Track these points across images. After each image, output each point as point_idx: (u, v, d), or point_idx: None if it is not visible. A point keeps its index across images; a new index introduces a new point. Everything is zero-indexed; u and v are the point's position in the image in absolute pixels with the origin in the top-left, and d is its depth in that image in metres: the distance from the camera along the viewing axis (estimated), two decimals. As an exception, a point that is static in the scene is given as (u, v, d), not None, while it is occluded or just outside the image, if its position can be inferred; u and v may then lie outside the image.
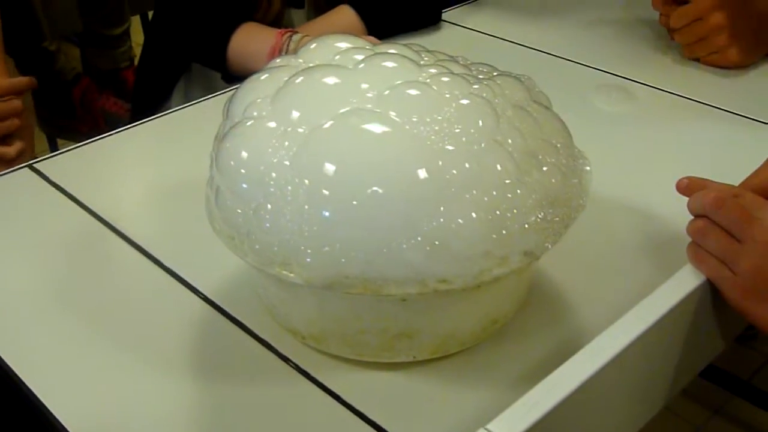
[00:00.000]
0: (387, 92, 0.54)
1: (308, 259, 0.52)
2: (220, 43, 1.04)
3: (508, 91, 0.58)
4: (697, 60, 1.03)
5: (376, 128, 0.53)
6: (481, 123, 0.53)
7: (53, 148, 2.02)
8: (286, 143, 0.53)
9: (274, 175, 0.53)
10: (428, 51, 0.62)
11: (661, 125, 0.91)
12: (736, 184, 0.64)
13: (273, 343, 0.62)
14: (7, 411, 0.63)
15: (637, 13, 1.11)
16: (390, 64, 0.57)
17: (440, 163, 0.51)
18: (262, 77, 0.60)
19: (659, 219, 0.74)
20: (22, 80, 1.01)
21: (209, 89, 1.09)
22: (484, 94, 0.55)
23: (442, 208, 0.51)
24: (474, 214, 0.51)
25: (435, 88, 0.55)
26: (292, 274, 0.53)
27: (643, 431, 0.62)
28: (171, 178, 0.84)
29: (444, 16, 1.18)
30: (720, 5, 0.98)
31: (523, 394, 0.48)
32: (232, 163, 0.56)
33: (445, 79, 0.56)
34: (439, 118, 0.53)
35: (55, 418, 0.56)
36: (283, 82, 0.57)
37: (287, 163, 0.53)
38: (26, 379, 0.59)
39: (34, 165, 0.85)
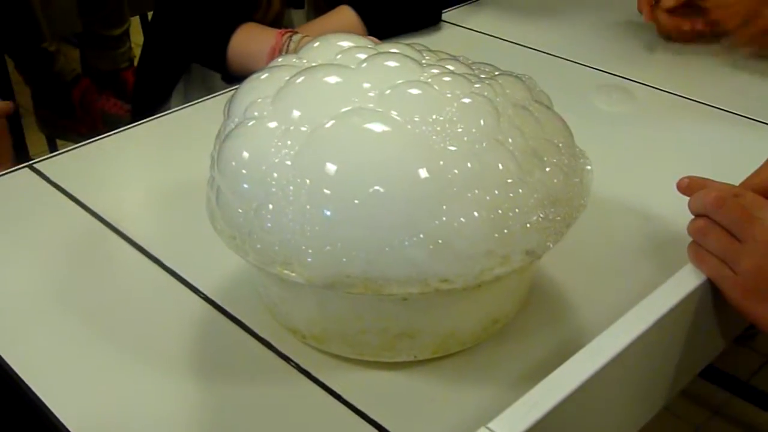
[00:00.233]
0: (388, 92, 0.54)
1: (309, 259, 0.52)
2: (219, 44, 1.04)
3: (509, 91, 0.58)
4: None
5: (378, 128, 0.53)
6: (482, 122, 0.53)
7: (53, 149, 2.02)
8: (288, 143, 0.53)
9: (275, 175, 0.53)
10: (430, 50, 0.62)
11: (662, 125, 0.92)
12: (737, 184, 0.64)
13: (274, 343, 0.62)
14: (8, 410, 0.63)
15: (637, 13, 1.11)
16: (392, 63, 0.57)
17: (442, 162, 0.51)
18: (263, 76, 0.60)
19: (660, 219, 0.74)
20: None
21: (209, 90, 1.09)
22: (486, 94, 0.55)
23: (444, 207, 0.51)
24: (476, 213, 0.51)
25: (436, 87, 0.55)
26: (293, 274, 0.53)
27: (643, 431, 0.62)
28: (171, 178, 0.84)
29: (444, 16, 1.18)
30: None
31: (523, 394, 0.48)
32: (233, 163, 0.56)
33: (447, 78, 0.56)
34: (441, 118, 0.53)
35: (55, 417, 0.56)
36: (284, 82, 0.57)
37: (289, 162, 0.53)
38: (27, 378, 0.59)
39: (34, 165, 0.85)
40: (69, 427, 0.55)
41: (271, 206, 0.53)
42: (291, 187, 0.52)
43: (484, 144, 0.52)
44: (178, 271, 0.69)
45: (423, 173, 0.51)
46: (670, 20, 1.06)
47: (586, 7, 1.22)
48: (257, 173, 0.54)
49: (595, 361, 0.51)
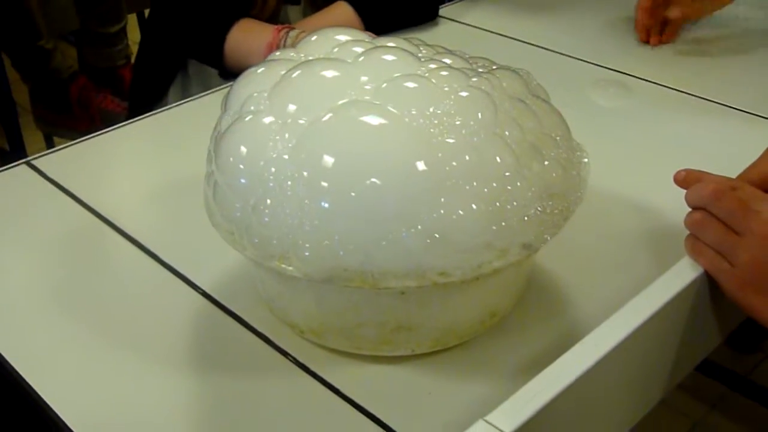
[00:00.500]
0: (385, 85, 0.54)
1: (307, 253, 0.52)
2: (216, 40, 1.04)
3: (507, 84, 0.58)
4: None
5: (375, 120, 0.53)
6: (480, 115, 0.54)
7: (50, 147, 2.02)
8: (285, 136, 0.53)
9: (273, 170, 0.53)
10: (427, 45, 0.62)
11: (658, 119, 0.92)
12: (734, 177, 0.64)
13: (272, 337, 0.62)
14: (6, 405, 0.63)
15: (634, 8, 1.11)
16: (389, 57, 0.57)
17: (440, 154, 0.51)
18: (260, 70, 0.60)
19: (656, 212, 0.74)
20: None
21: (206, 86, 1.09)
22: (483, 87, 0.56)
23: (441, 200, 0.51)
24: (474, 206, 0.51)
25: (434, 81, 0.55)
26: (290, 268, 0.53)
27: (641, 426, 0.62)
28: (168, 174, 0.84)
29: (441, 12, 1.18)
30: None
31: (521, 387, 0.48)
32: (231, 159, 0.56)
33: (444, 72, 0.56)
34: (439, 111, 0.53)
35: (53, 411, 0.56)
36: (281, 76, 0.57)
37: (286, 157, 0.53)
38: (25, 374, 0.59)
39: (32, 162, 0.85)
40: (67, 422, 0.55)
41: (269, 201, 0.53)
42: (289, 183, 0.52)
43: (482, 136, 0.53)
44: (175, 267, 0.69)
45: (420, 165, 0.51)
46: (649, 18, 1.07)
47: (583, 2, 1.22)
48: (255, 168, 0.54)
49: (593, 354, 0.51)
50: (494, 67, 0.61)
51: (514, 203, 0.52)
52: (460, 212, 0.51)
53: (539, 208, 0.54)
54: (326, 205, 0.51)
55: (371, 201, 0.51)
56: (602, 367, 0.51)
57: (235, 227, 0.55)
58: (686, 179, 0.62)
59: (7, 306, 0.66)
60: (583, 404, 0.52)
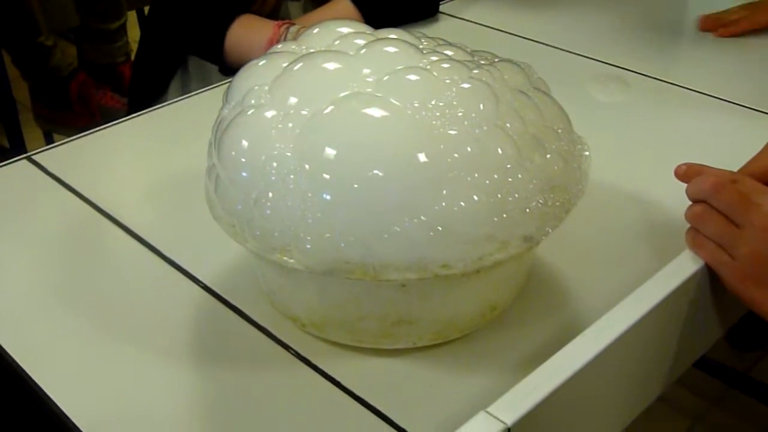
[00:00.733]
0: (387, 78, 0.54)
1: (308, 245, 0.52)
2: (217, 36, 1.04)
3: (508, 77, 0.58)
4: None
5: (377, 112, 0.53)
6: (482, 107, 0.54)
7: (49, 144, 2.02)
8: (287, 130, 0.53)
9: (275, 164, 0.53)
10: (428, 37, 0.62)
11: (658, 114, 0.92)
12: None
13: (273, 331, 0.62)
14: (8, 399, 0.63)
15: (635, 3, 1.11)
16: (391, 49, 0.57)
17: (441, 146, 0.51)
18: (261, 63, 0.60)
19: (657, 205, 0.74)
20: None
21: (206, 82, 1.09)
22: (484, 79, 0.56)
23: (443, 192, 0.51)
24: (476, 197, 0.51)
25: (435, 73, 0.55)
26: (292, 260, 0.53)
27: (642, 422, 0.62)
28: (168, 169, 0.84)
29: (441, 7, 1.18)
30: None
31: (522, 379, 0.48)
32: (233, 152, 0.56)
33: (446, 65, 0.56)
34: (441, 103, 0.53)
35: (55, 404, 0.56)
36: (282, 69, 0.57)
37: (288, 150, 0.53)
38: (27, 368, 0.59)
39: (32, 157, 0.85)
40: (69, 415, 0.55)
41: (271, 194, 0.53)
42: (292, 176, 0.52)
43: (483, 128, 0.53)
44: (176, 261, 0.69)
45: (422, 157, 0.51)
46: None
47: (583, -2, 1.22)
48: (257, 162, 0.54)
49: (593, 347, 0.51)
50: (496, 60, 0.61)
51: (516, 195, 0.52)
52: (462, 204, 0.51)
53: (541, 201, 0.54)
54: (328, 197, 0.51)
55: (373, 193, 0.51)
56: (603, 359, 0.51)
57: (236, 220, 0.55)
58: (687, 173, 0.63)
59: (9, 300, 0.66)
60: (584, 397, 0.53)
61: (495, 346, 0.60)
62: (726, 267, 0.58)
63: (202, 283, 0.67)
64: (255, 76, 0.58)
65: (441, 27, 1.15)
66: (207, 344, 0.62)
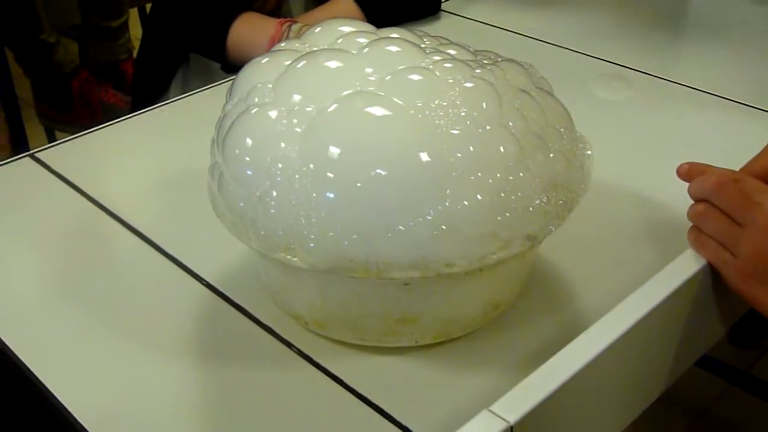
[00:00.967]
0: (390, 77, 0.54)
1: (312, 244, 0.52)
2: (219, 33, 1.04)
3: (511, 76, 0.58)
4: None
5: (380, 111, 0.53)
6: (484, 106, 0.54)
7: (52, 141, 2.02)
8: (291, 129, 0.54)
9: (279, 163, 0.53)
10: (431, 36, 0.62)
11: (661, 113, 0.92)
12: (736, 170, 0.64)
13: (276, 329, 0.62)
14: (11, 396, 0.63)
15: (637, 1, 1.11)
16: (393, 48, 0.57)
17: (444, 145, 0.51)
18: (264, 61, 0.60)
19: (659, 205, 0.74)
20: None
21: (208, 80, 1.08)
22: (487, 78, 0.56)
23: (446, 191, 0.51)
24: (479, 196, 0.51)
25: (438, 73, 0.55)
26: (295, 259, 0.53)
27: (643, 420, 0.62)
28: (171, 167, 0.84)
29: (443, 6, 1.18)
30: None
31: (524, 378, 0.48)
32: (237, 151, 0.56)
33: (448, 64, 0.56)
34: (444, 102, 0.53)
35: (58, 401, 0.56)
36: (285, 67, 0.57)
37: (291, 149, 0.53)
38: (30, 365, 0.59)
39: (35, 154, 0.85)
40: (73, 412, 0.55)
41: (275, 193, 0.53)
42: (297, 176, 0.52)
43: (486, 127, 0.53)
44: (179, 259, 0.70)
45: (425, 156, 0.51)
46: None
47: (585, -4, 1.22)
48: (261, 161, 0.54)
49: (596, 346, 0.51)
50: (498, 59, 0.61)
51: (519, 194, 0.52)
52: (465, 203, 0.51)
53: (544, 199, 0.54)
54: (332, 196, 0.51)
55: (376, 192, 0.51)
56: (606, 358, 0.51)
57: (240, 218, 0.55)
58: (689, 172, 0.63)
59: (12, 297, 0.66)
60: (586, 395, 0.53)
61: (497, 345, 0.60)
62: (728, 266, 0.58)
63: (205, 281, 0.67)
64: (258, 74, 0.58)
65: (442, 25, 1.15)
66: (210, 342, 0.62)
